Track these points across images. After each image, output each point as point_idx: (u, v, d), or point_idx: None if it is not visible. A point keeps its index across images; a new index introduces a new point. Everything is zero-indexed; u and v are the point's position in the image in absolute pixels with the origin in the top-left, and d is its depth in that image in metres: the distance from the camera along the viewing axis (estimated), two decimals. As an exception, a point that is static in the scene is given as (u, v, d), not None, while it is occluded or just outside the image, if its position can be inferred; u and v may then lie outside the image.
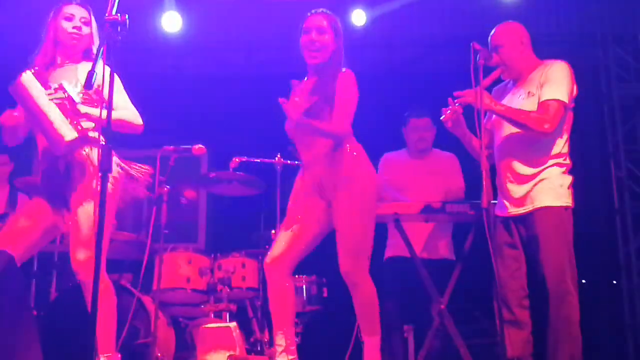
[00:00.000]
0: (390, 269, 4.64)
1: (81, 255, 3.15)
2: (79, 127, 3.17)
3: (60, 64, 3.45)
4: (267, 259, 3.43)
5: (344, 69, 3.47)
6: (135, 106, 3.43)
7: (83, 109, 3.22)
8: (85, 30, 3.45)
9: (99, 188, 2.59)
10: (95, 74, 2.59)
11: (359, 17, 6.24)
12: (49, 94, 3.15)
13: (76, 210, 3.22)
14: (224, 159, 4.72)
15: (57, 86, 3.20)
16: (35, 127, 3.34)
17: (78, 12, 3.46)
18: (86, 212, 3.15)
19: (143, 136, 3.56)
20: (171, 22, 6.27)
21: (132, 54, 6.72)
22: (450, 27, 6.91)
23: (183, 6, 6.43)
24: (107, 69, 2.73)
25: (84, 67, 3.27)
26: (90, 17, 3.48)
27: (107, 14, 2.73)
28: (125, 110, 3.35)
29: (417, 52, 7.10)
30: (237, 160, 4.56)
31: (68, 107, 3.15)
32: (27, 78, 3.19)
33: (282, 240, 3.43)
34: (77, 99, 3.17)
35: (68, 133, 3.12)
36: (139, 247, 4.40)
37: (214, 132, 6.27)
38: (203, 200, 6.95)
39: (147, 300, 4.26)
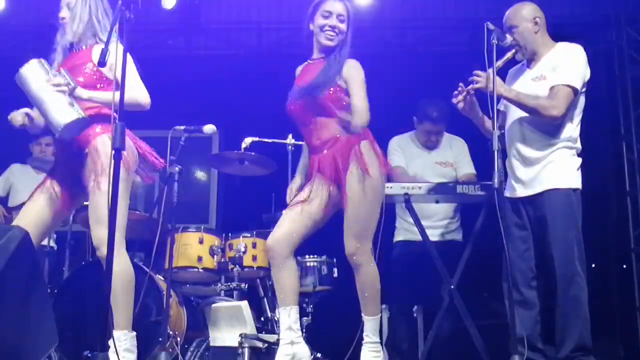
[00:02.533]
0: (399, 252, 4.71)
1: (101, 232, 3.16)
2: (79, 110, 3.17)
3: (76, 49, 3.47)
4: (270, 238, 3.46)
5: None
6: (145, 86, 3.44)
7: (84, 93, 3.24)
8: (67, 14, 3.46)
9: (112, 165, 2.63)
10: (108, 52, 2.61)
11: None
12: (47, 81, 3.16)
13: (92, 189, 3.25)
14: (236, 139, 4.73)
15: (55, 73, 3.22)
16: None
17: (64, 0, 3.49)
18: (102, 190, 3.18)
19: (154, 116, 3.58)
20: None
21: (142, 33, 6.81)
22: (463, 9, 6.91)
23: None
24: (120, 48, 2.75)
25: (98, 49, 3.27)
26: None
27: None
28: (131, 90, 3.34)
29: (430, 34, 7.09)
30: (248, 140, 4.56)
31: (68, 92, 3.16)
32: (28, 68, 3.21)
33: (285, 220, 3.47)
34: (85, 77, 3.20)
35: (63, 117, 3.13)
36: (151, 226, 4.42)
37: (226, 112, 6.28)
38: (214, 181, 6.98)
39: (159, 279, 4.29)
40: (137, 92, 3.30)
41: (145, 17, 6.79)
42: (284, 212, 3.57)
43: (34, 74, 3.18)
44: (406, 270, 4.58)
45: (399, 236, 4.79)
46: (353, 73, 3.47)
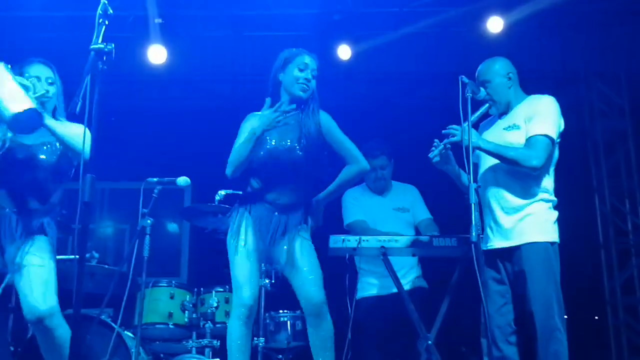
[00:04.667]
0: (366, 309, 4.55)
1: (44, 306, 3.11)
2: (33, 102, 3.05)
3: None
4: (251, 296, 3.39)
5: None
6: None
7: (46, 117, 3.17)
8: (52, 90, 3.42)
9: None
10: (79, 102, 2.54)
11: (344, 52, 6.26)
12: (13, 77, 3.06)
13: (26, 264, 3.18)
14: (209, 191, 4.66)
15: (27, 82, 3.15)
16: None
17: (43, 72, 3.43)
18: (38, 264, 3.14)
19: (126, 168, 3.52)
20: (157, 55, 6.26)
21: (117, 85, 6.77)
22: (435, 64, 6.98)
23: (168, 39, 6.45)
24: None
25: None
26: (55, 75, 3.45)
27: (92, 43, 2.70)
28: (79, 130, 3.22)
29: (402, 87, 7.15)
30: (222, 192, 4.50)
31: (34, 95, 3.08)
32: None
33: (252, 277, 3.44)
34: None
35: (16, 105, 2.98)
36: (120, 280, 4.29)
37: (199, 164, 6.21)
38: (186, 234, 6.87)
39: (127, 335, 4.15)
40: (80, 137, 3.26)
41: (119, 68, 6.84)
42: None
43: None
44: (381, 326, 4.47)
45: (364, 291, 4.61)
46: (333, 123, 3.59)
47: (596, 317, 6.41)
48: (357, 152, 3.63)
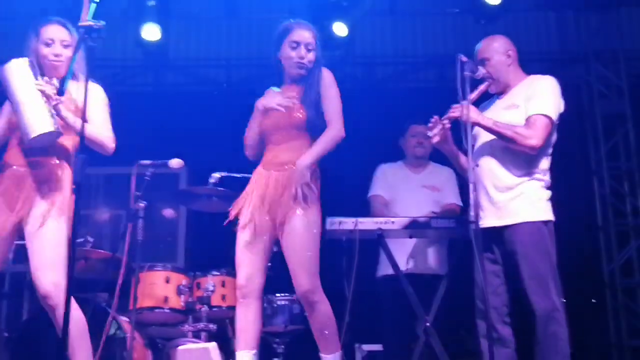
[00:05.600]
0: (384, 287, 4.53)
1: (49, 279, 3.02)
2: (57, 124, 3.01)
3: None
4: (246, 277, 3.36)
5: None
6: (113, 122, 3.33)
7: (64, 111, 3.07)
8: (67, 53, 3.24)
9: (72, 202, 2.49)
10: (67, 79, 2.48)
11: (340, 29, 6.21)
12: (36, 84, 3.00)
13: (39, 229, 3.07)
14: (204, 174, 4.61)
15: (48, 79, 3.06)
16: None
17: (58, 34, 3.27)
18: (51, 231, 3.04)
19: (122, 153, 3.49)
20: (151, 33, 6.29)
21: (110, 69, 6.72)
22: (433, 45, 6.93)
23: (162, 19, 6.40)
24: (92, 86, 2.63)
25: (75, 86, 3.14)
26: (72, 37, 3.26)
27: (80, 20, 2.64)
28: (100, 129, 3.23)
29: (399, 70, 7.10)
30: (217, 175, 4.44)
31: (52, 103, 3.00)
32: (14, 65, 3.05)
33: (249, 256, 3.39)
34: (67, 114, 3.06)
35: (40, 126, 2.97)
36: (115, 265, 4.24)
37: (194, 148, 6.16)
38: (183, 218, 6.82)
39: (123, 320, 4.11)
40: (104, 132, 3.18)
41: (112, 52, 6.81)
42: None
43: (23, 72, 3.02)
44: (396, 306, 4.39)
45: (382, 271, 4.59)
46: (329, 84, 3.45)
47: (593, 300, 6.38)
48: (340, 118, 3.42)
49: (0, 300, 4.64)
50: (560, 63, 6.77)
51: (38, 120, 2.97)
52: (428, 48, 7.02)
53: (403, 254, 4.33)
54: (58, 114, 3.02)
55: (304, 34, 3.48)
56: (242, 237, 3.38)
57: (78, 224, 2.48)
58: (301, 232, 3.30)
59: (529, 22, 6.81)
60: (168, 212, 6.76)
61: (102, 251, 4.54)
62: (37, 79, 3.04)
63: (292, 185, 3.30)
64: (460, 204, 4.62)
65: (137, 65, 7.04)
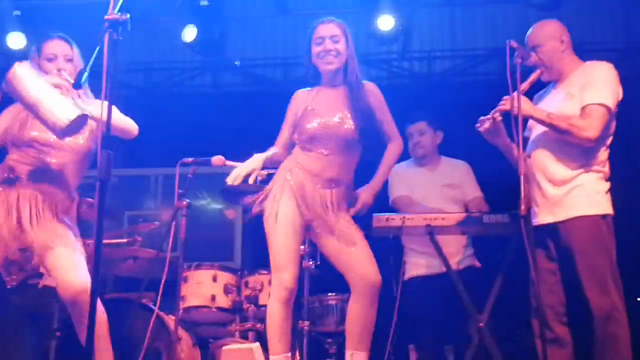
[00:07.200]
0: (417, 288, 4.39)
1: (81, 276, 3.06)
2: (81, 106, 3.02)
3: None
4: (291, 278, 3.33)
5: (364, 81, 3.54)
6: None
7: (81, 103, 3.10)
8: (69, 68, 3.32)
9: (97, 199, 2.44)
10: (84, 72, 2.44)
11: (389, 23, 6.07)
12: (48, 79, 3.03)
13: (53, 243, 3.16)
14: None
15: (56, 72, 3.09)
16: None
17: (60, 49, 3.35)
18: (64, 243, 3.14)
19: (181, 154, 3.53)
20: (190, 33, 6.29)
21: (165, 72, 6.77)
22: (492, 38, 6.72)
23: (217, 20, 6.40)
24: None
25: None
26: (73, 51, 3.37)
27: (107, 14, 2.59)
28: (117, 113, 3.22)
29: (458, 64, 6.90)
30: (264, 172, 4.37)
31: (68, 92, 3.02)
32: (18, 70, 3.05)
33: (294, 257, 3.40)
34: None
35: (66, 114, 2.95)
36: (162, 264, 4.22)
37: (251, 147, 6.13)
38: (239, 217, 6.79)
39: (170, 319, 4.08)
40: (122, 118, 3.17)
41: (167, 54, 6.86)
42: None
43: (29, 73, 3.03)
44: (430, 307, 4.28)
45: (412, 271, 4.45)
46: (378, 97, 3.50)
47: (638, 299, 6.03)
48: (396, 131, 3.53)
49: (55, 301, 4.68)
50: (625, 54, 6.44)
51: (62, 110, 2.95)
52: (488, 40, 6.80)
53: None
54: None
55: (327, 27, 3.48)
56: (283, 238, 3.35)
57: (102, 222, 2.41)
58: (355, 228, 3.39)
59: (593, 10, 6.51)
60: (230, 213, 6.74)
61: (150, 250, 4.53)
62: (45, 75, 3.08)
63: (343, 205, 3.41)
64: (481, 194, 4.50)
65: (195, 67, 7.07)
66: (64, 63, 3.30)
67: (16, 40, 6.28)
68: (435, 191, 4.45)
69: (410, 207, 4.34)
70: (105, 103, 2.33)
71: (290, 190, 3.36)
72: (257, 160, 3.47)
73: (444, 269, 3.97)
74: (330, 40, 3.44)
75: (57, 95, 3.00)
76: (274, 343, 3.25)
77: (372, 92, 3.49)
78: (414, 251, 4.42)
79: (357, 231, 3.39)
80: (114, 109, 2.92)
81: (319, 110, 3.47)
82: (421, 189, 4.47)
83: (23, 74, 3.03)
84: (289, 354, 3.27)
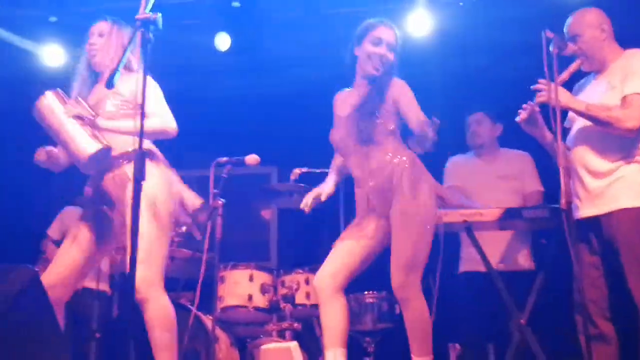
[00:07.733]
0: (465, 284, 4.35)
1: (141, 272, 3.03)
2: (103, 140, 3.07)
3: (102, 79, 3.39)
4: (317, 276, 3.31)
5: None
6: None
7: (105, 123, 3.14)
8: (99, 41, 3.39)
9: (131, 197, 2.44)
10: (116, 72, 2.45)
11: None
12: (66, 112, 3.08)
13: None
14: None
15: (74, 102, 3.14)
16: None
17: (96, 28, 3.43)
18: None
19: (209, 155, 3.52)
20: (224, 41, 6.10)
21: (198, 76, 6.78)
22: (528, 32, 6.58)
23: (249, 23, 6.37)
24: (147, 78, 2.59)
25: (124, 78, 3.14)
26: (110, 27, 3.41)
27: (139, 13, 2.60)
28: (156, 117, 3.21)
29: (494, 58, 6.79)
30: (297, 171, 4.36)
31: (85, 121, 3.06)
32: (43, 101, 3.14)
33: (333, 255, 3.32)
34: (113, 108, 3.07)
35: (87, 146, 3.04)
36: (199, 264, 4.22)
37: (285, 148, 6.12)
38: (274, 216, 6.79)
39: (208, 319, 4.08)
40: (163, 120, 3.17)
41: (199, 57, 6.86)
42: (334, 247, 3.38)
43: (51, 107, 3.10)
44: (474, 304, 4.22)
45: (463, 267, 4.43)
46: (403, 91, 3.28)
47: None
48: (421, 120, 3.16)
49: (92, 301, 4.73)
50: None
51: (81, 145, 3.04)
52: (525, 35, 6.66)
53: (487, 249, 4.10)
54: (96, 127, 3.09)
55: (388, 32, 3.38)
56: None
57: (137, 221, 2.41)
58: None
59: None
60: (267, 213, 6.76)
61: (185, 250, 4.54)
62: (66, 106, 3.10)
63: None
64: (542, 189, 4.37)
65: (230, 70, 7.07)
66: (96, 37, 3.39)
67: (53, 55, 5.45)
68: (490, 183, 4.36)
69: (464, 198, 4.27)
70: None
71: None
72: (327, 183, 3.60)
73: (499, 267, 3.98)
74: (387, 47, 3.35)
75: (77, 130, 3.06)
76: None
77: (396, 85, 3.32)
78: (466, 247, 4.35)
79: (399, 229, 3.23)
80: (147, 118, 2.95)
81: (339, 113, 3.50)
82: (475, 180, 4.39)
83: (46, 109, 3.12)
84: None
